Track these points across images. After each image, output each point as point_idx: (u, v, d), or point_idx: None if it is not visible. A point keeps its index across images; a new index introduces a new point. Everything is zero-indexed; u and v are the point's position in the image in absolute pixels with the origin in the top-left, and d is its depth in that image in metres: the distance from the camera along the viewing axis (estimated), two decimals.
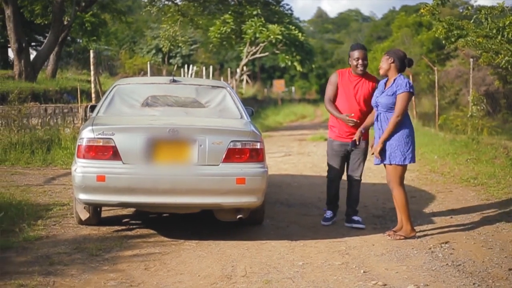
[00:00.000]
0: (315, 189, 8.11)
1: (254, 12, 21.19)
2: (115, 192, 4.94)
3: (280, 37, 20.68)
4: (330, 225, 6.05)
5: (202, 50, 35.85)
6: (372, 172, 9.09)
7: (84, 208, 5.46)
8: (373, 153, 5.51)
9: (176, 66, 30.67)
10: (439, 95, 16.18)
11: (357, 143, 5.85)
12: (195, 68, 27.33)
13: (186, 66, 27.87)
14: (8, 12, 15.66)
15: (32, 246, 4.90)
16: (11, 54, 21.85)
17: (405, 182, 5.58)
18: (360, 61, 5.86)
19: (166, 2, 22.03)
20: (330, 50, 59.91)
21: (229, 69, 31.61)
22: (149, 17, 31.49)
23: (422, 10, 8.85)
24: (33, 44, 26.13)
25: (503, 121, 15.85)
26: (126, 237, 5.30)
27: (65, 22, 17.60)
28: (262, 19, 21.13)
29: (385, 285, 4.19)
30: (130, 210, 6.32)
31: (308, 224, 6.08)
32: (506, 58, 8.54)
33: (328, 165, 6.16)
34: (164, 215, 6.18)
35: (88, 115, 6.10)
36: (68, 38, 22.14)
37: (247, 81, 37.24)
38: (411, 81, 5.52)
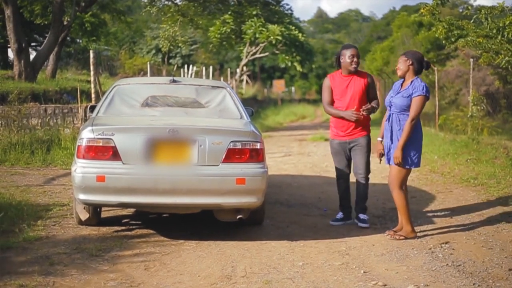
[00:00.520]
0: (315, 189, 8.11)
1: (254, 12, 21.20)
2: (115, 193, 4.93)
3: (280, 37, 20.69)
4: (331, 226, 6.04)
5: (202, 50, 35.86)
6: (372, 172, 9.00)
7: (84, 208, 5.45)
8: (397, 163, 5.35)
9: (176, 66, 30.67)
10: (439, 95, 16.17)
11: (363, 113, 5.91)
12: (195, 68, 27.34)
13: (186, 66, 27.89)
14: (8, 12, 15.67)
15: (32, 246, 4.90)
16: (11, 54, 21.85)
17: None
18: (355, 59, 5.96)
19: (166, 2, 22.02)
20: (330, 50, 59.87)
21: (229, 69, 31.62)
22: (149, 17, 31.49)
23: (422, 10, 8.86)
24: (33, 44, 26.13)
25: (503, 121, 15.83)
26: (126, 237, 5.30)
27: (65, 22, 17.61)
28: (262, 19, 21.14)
29: (385, 285, 4.19)
30: (130, 211, 6.32)
31: (308, 225, 6.07)
32: (506, 58, 8.54)
33: (334, 165, 6.25)
34: (164, 215, 6.17)
35: (88, 115, 6.10)
36: (68, 38, 22.13)
37: (247, 81, 37.25)
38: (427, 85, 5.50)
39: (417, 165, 5.44)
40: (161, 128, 5.13)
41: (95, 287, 4.06)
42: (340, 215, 6.19)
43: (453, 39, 9.07)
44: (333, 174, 9.54)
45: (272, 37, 20.63)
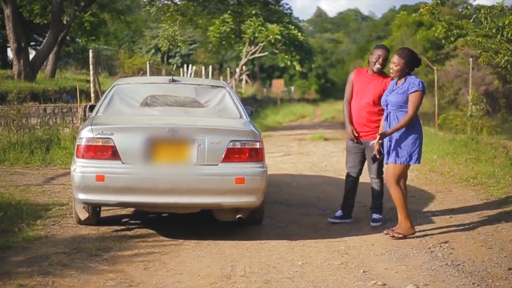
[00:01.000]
0: (315, 189, 8.11)
1: (253, 12, 21.20)
2: (114, 192, 4.93)
3: (279, 36, 20.69)
4: (331, 225, 6.04)
5: (202, 49, 35.86)
6: None
7: (83, 208, 5.45)
8: (372, 144, 5.52)
9: (175, 65, 30.65)
10: (438, 95, 16.17)
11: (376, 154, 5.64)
12: (194, 67, 27.32)
13: (185, 65, 27.85)
14: (7, 11, 15.65)
15: (31, 246, 4.89)
16: (10, 54, 21.85)
17: None
18: (380, 60, 5.92)
19: (166, 2, 22.03)
20: (330, 50, 59.91)
21: (228, 68, 31.61)
22: (148, 16, 31.45)
23: (421, 10, 8.85)
24: (32, 43, 26.12)
25: (502, 121, 15.85)
26: (125, 237, 5.29)
27: (64, 22, 17.58)
28: (261, 18, 21.15)
29: (385, 284, 4.19)
30: (129, 210, 6.31)
31: (308, 224, 6.08)
32: (506, 57, 8.53)
33: (346, 163, 6.32)
34: (164, 215, 6.17)
35: (87, 115, 6.09)
36: (67, 37, 22.12)
37: (246, 81, 37.22)
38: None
39: (417, 161, 5.44)
40: (161, 128, 5.13)
41: (94, 286, 4.06)
42: (339, 213, 6.18)
43: (452, 39, 9.07)
44: (332, 173, 9.60)
45: (271, 37, 20.64)
